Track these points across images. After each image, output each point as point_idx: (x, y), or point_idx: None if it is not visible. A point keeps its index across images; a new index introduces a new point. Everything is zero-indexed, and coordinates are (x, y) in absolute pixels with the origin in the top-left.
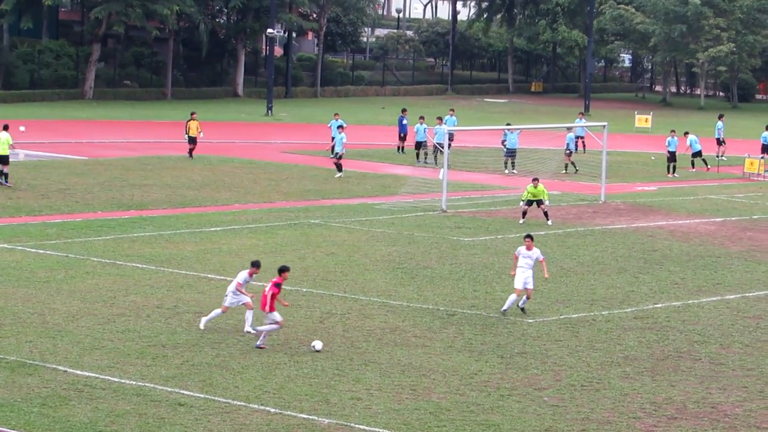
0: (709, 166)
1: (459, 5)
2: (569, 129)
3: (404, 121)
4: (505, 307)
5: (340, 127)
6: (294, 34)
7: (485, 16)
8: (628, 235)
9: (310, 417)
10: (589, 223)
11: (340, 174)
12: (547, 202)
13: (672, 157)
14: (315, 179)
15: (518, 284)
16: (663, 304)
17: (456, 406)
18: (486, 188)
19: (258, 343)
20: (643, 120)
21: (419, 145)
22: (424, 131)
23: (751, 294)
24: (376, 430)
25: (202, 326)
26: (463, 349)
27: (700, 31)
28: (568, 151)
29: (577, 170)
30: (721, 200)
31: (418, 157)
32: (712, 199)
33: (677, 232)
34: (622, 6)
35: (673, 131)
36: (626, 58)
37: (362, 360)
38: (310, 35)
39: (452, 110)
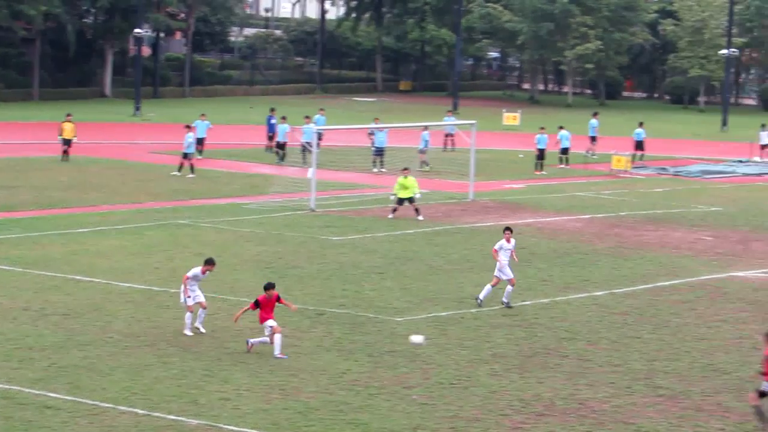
0: (568, 165)
1: (327, 4)
2: (425, 128)
3: (272, 121)
4: (481, 297)
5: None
6: (162, 34)
7: (354, 15)
8: (496, 232)
9: (179, 418)
10: (457, 221)
11: (177, 174)
12: (418, 195)
13: (541, 154)
14: (183, 180)
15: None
16: (531, 301)
17: (325, 405)
18: (355, 187)
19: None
20: (511, 118)
21: (280, 144)
22: (285, 132)
23: (618, 290)
24: (245, 430)
25: (189, 332)
26: (332, 348)
27: (568, 29)
28: (421, 150)
29: (429, 168)
30: (589, 197)
31: (278, 155)
32: (579, 196)
33: (545, 230)
34: (491, 4)
35: (542, 128)
36: (494, 56)
37: (231, 360)
38: (179, 35)
39: (322, 109)
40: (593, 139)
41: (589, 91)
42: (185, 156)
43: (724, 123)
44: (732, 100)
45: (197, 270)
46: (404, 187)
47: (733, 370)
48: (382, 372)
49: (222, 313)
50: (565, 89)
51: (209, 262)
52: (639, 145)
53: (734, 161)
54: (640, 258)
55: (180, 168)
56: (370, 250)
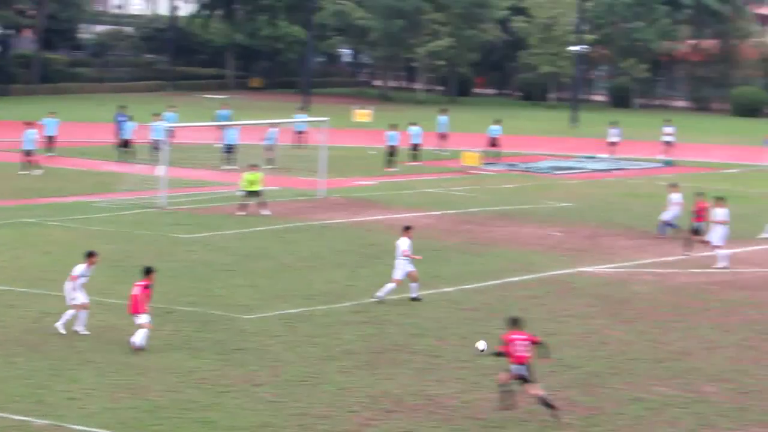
0: (419, 161)
1: (178, 1)
2: (273, 125)
3: (121, 118)
4: (381, 295)
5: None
6: (11, 31)
7: (205, 11)
8: (347, 229)
9: (25, 418)
10: (308, 218)
11: (27, 173)
12: (263, 192)
13: (392, 151)
14: (30, 178)
15: (398, 275)
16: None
17: (173, 404)
18: (205, 184)
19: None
20: (362, 114)
21: (124, 142)
22: (131, 129)
23: (468, 286)
24: (92, 429)
25: (62, 330)
26: (181, 346)
27: (420, 26)
28: (268, 147)
29: (275, 167)
30: (439, 194)
31: (123, 152)
32: (430, 192)
33: (396, 226)
34: (343, 1)
35: (393, 125)
36: (346, 53)
37: (79, 359)
38: (27, 32)
39: (172, 107)
40: (443, 135)
41: (440, 88)
42: (27, 153)
43: (574, 119)
44: (582, 96)
45: (82, 267)
46: (250, 183)
47: (581, 365)
48: (231, 370)
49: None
50: (417, 86)
51: (91, 255)
52: (494, 142)
53: (584, 157)
54: (490, 254)
55: (26, 166)
56: (220, 248)
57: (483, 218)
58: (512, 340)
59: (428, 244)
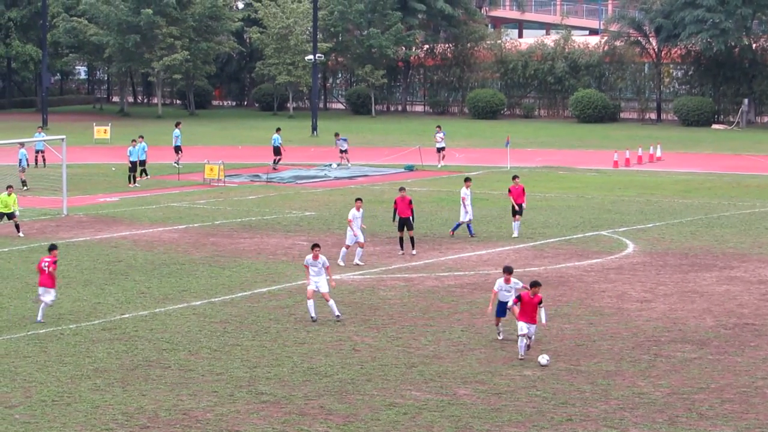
0: (148, 175)
1: None
2: (21, 145)
3: None
4: (312, 315)
5: None
6: None
7: None
8: (92, 246)
9: None
10: (52, 237)
11: None
12: (17, 213)
13: (133, 167)
14: None
15: (312, 286)
16: (130, 314)
17: None
18: None
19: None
20: (102, 131)
21: None
22: None
23: (216, 299)
24: None
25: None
26: None
27: (155, 41)
28: (21, 168)
29: (27, 188)
30: (184, 207)
31: None
32: (174, 206)
33: (141, 242)
34: (75, 18)
35: (134, 141)
36: (82, 70)
37: None
38: None
39: None
40: (177, 149)
41: (179, 102)
42: None
43: (314, 128)
44: (321, 105)
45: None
46: (5, 205)
47: (333, 372)
48: None
49: None
50: (155, 100)
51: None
52: (276, 151)
53: (325, 165)
54: (237, 266)
55: None
56: None
57: (228, 230)
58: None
59: (174, 258)
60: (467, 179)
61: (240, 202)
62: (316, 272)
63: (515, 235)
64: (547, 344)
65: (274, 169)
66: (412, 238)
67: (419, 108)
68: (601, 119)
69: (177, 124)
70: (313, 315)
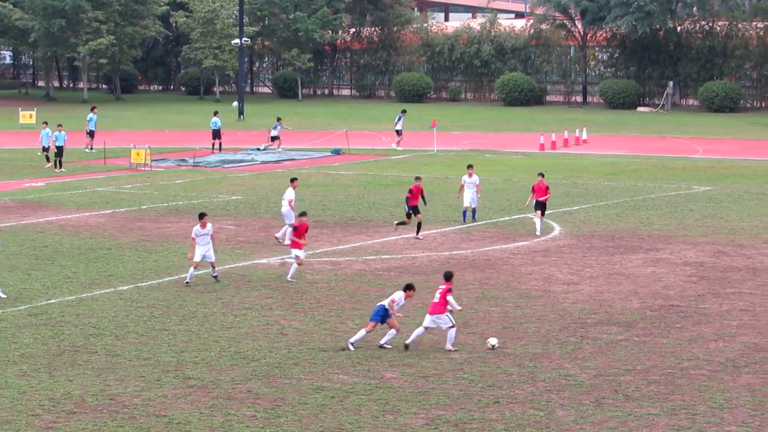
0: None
1: None
2: None
3: None
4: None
5: None
6: None
7: None
8: (18, 232)
9: None
10: None
11: None
12: None
13: (59, 151)
14: None
15: (198, 258)
16: (57, 299)
17: None
18: None
19: None
20: (27, 116)
21: None
22: None
23: (143, 284)
24: None
25: None
26: None
27: (80, 25)
28: None
29: None
30: (110, 192)
31: None
32: (100, 191)
33: (67, 227)
34: (0, 3)
35: (60, 125)
36: (7, 55)
37: None
38: None
39: None
40: (91, 133)
41: (105, 86)
42: None
43: (241, 112)
44: (247, 89)
45: None
46: None
47: (261, 356)
48: None
49: None
50: (81, 85)
51: None
52: (216, 134)
53: (252, 149)
54: (164, 250)
55: None
56: None
57: (155, 215)
58: None
59: (100, 242)
60: (470, 166)
61: (167, 187)
62: (205, 242)
63: (537, 232)
64: (474, 327)
65: (219, 151)
66: (420, 223)
67: (346, 92)
68: (528, 102)
69: (92, 109)
70: (189, 280)
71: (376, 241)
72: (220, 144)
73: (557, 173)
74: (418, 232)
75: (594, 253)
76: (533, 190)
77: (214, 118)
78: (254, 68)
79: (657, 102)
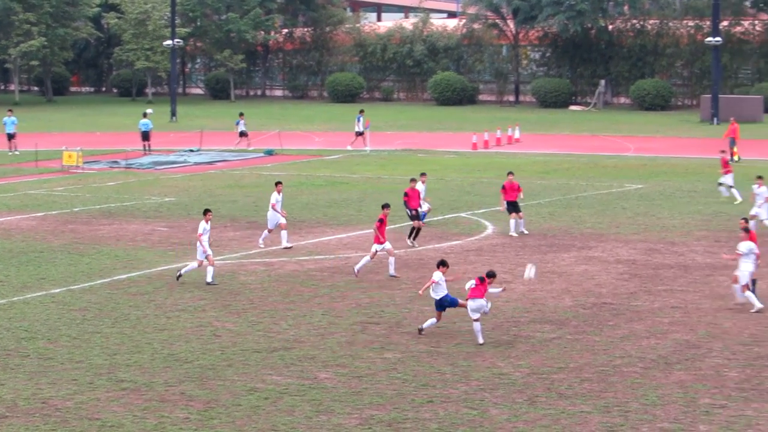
0: None
1: None
2: None
3: None
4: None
5: None
6: None
7: None
8: None
9: None
10: None
11: None
12: None
13: None
14: None
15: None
16: None
17: None
18: None
19: None
20: None
21: None
22: None
23: (75, 287)
24: None
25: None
26: None
27: (11, 27)
28: None
29: None
30: (41, 195)
31: None
32: (32, 194)
33: None
34: None
35: None
36: None
37: None
38: None
39: None
40: (10, 136)
41: (36, 88)
42: None
43: (173, 114)
44: (180, 90)
45: None
46: None
47: (194, 358)
48: None
49: None
50: (12, 87)
51: None
52: (145, 136)
53: (185, 151)
54: (96, 253)
55: None
56: None
57: (87, 217)
58: None
59: (32, 245)
60: (422, 174)
61: (99, 189)
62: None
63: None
64: (407, 327)
65: (149, 152)
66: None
67: (278, 92)
68: (460, 101)
69: (9, 111)
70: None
71: (309, 242)
72: (149, 145)
73: (490, 172)
74: (414, 238)
75: (527, 251)
76: (503, 189)
77: (144, 120)
78: (186, 69)
79: (589, 100)
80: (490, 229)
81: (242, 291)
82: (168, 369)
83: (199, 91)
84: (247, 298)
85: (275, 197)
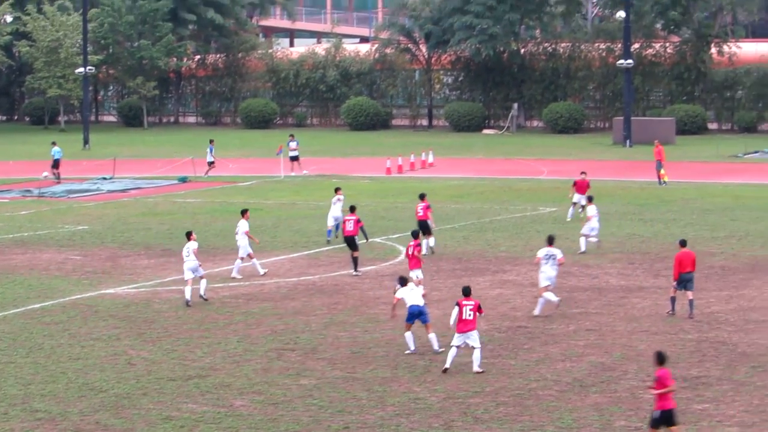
0: None
1: None
2: None
3: None
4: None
5: None
6: None
7: None
8: None
9: None
10: None
11: None
12: None
13: None
14: None
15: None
16: None
17: None
18: None
19: None
20: None
21: None
22: None
23: None
24: None
25: None
26: None
27: None
28: None
29: None
30: None
31: None
32: None
33: None
34: None
35: None
36: None
37: None
38: None
39: None
40: None
41: None
42: None
43: (86, 141)
44: (93, 117)
45: None
46: None
47: (109, 387)
48: None
49: None
50: None
51: None
52: (56, 164)
53: (98, 179)
54: (9, 282)
55: None
56: None
57: (0, 246)
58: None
59: None
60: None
61: (12, 218)
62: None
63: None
64: (323, 353)
65: (58, 181)
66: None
67: (192, 119)
68: (374, 126)
69: None
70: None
71: (223, 268)
72: (57, 174)
73: (404, 197)
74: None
75: (442, 275)
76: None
77: (55, 148)
78: (99, 97)
79: (502, 124)
80: (404, 254)
81: (157, 319)
82: (83, 398)
83: (112, 118)
84: (162, 326)
85: (244, 225)
